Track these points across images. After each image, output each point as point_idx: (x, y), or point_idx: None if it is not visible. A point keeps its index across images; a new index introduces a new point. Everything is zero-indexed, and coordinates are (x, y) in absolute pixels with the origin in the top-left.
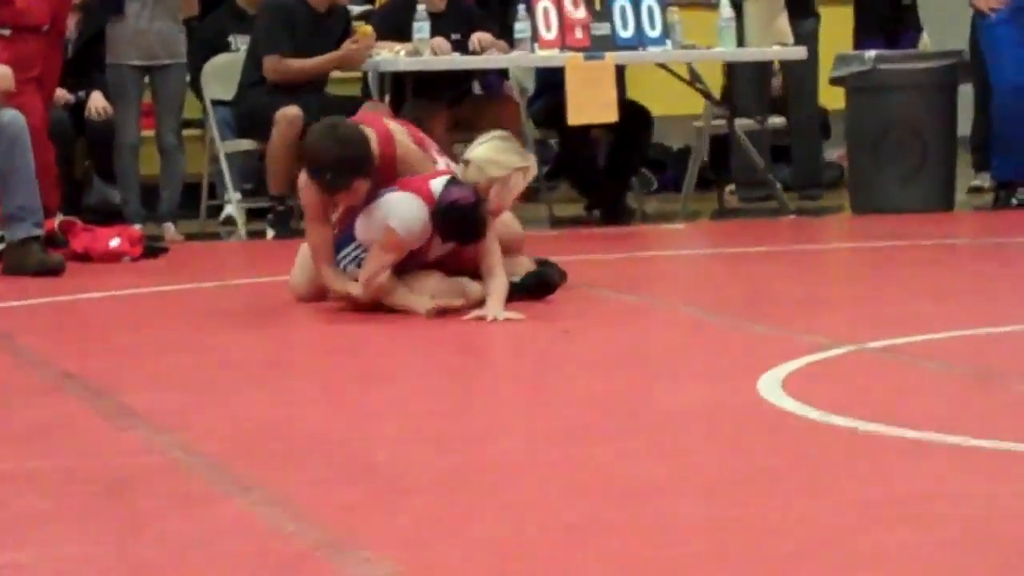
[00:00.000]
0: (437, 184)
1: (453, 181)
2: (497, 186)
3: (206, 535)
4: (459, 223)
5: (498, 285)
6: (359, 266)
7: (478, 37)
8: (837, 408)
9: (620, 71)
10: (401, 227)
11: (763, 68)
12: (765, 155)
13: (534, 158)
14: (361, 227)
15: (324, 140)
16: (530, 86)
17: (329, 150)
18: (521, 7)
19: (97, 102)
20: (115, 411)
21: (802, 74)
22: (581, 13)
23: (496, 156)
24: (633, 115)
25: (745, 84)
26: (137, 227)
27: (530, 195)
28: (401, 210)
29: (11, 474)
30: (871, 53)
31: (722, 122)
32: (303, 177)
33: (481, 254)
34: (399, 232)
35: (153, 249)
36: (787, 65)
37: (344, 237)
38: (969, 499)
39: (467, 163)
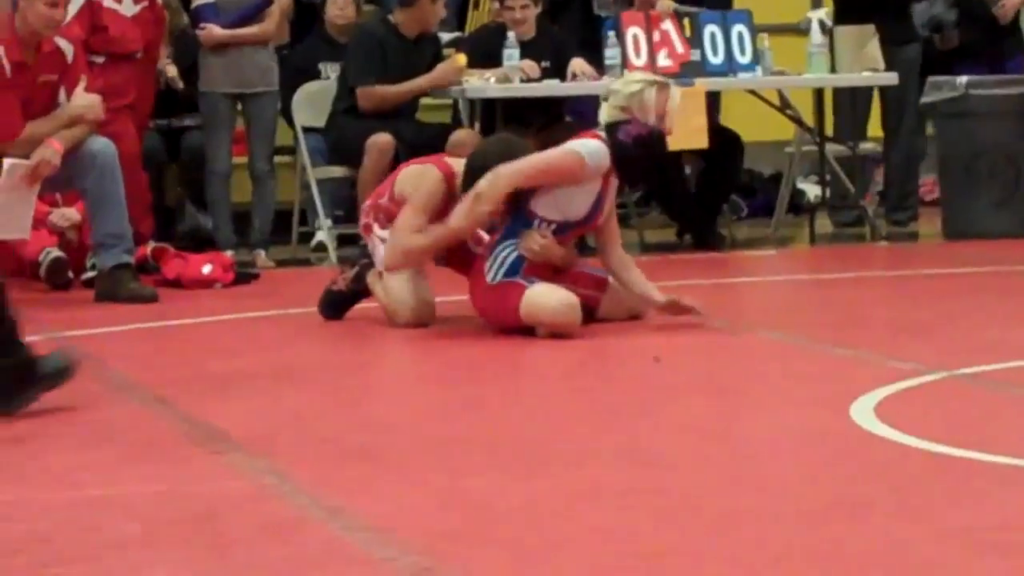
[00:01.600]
0: (603, 134)
1: (613, 127)
2: (637, 106)
3: (296, 560)
4: (648, 155)
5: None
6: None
7: (577, 65)
8: (930, 434)
9: (714, 97)
10: (587, 154)
11: (855, 94)
12: (857, 181)
13: (671, 82)
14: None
15: (496, 145)
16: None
17: (499, 153)
18: (611, 34)
19: (170, 70)
20: (207, 436)
21: (899, 101)
22: (677, 42)
23: (623, 81)
24: (724, 141)
25: (837, 110)
26: (229, 254)
27: (620, 220)
28: (589, 146)
29: (104, 499)
30: (963, 79)
31: (813, 148)
32: (431, 170)
33: (610, 230)
34: (585, 157)
35: (244, 275)
36: (883, 92)
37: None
38: None
39: (605, 99)
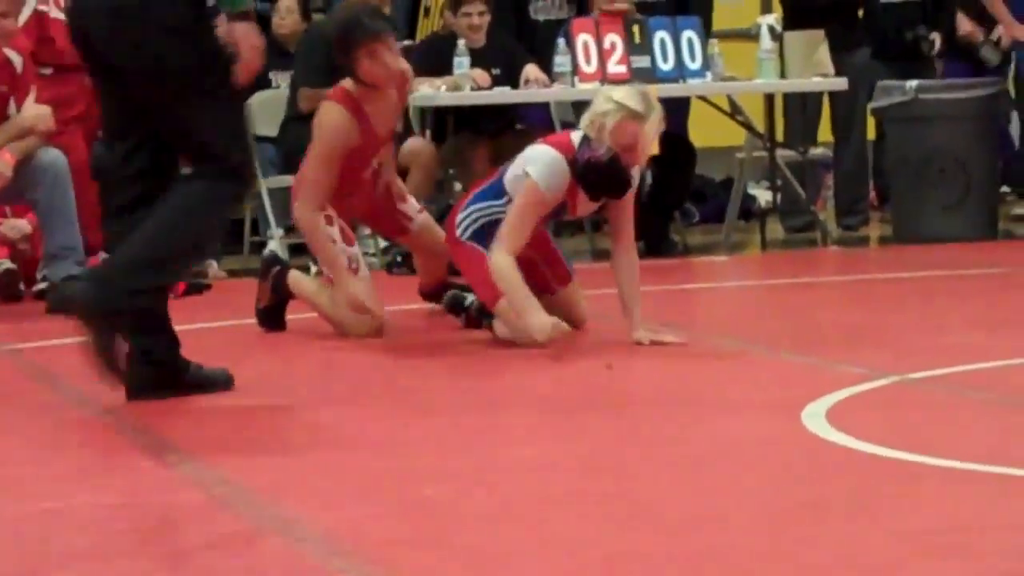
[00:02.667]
0: (576, 137)
1: (586, 139)
2: (614, 135)
3: (250, 572)
4: (599, 179)
5: (635, 298)
6: (482, 226)
7: (530, 71)
8: (882, 439)
9: (678, 104)
10: (540, 177)
11: (805, 99)
12: (808, 186)
13: (657, 108)
14: (509, 178)
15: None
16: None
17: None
18: (561, 41)
19: None
20: (159, 447)
21: (849, 106)
22: (620, 46)
23: (603, 96)
24: (677, 149)
25: (788, 116)
26: None
27: (573, 227)
28: (539, 160)
29: (55, 511)
30: (912, 83)
31: (764, 153)
32: (326, 105)
33: (620, 224)
34: (539, 184)
35: (196, 286)
36: (832, 97)
37: (477, 195)
38: (1016, 530)
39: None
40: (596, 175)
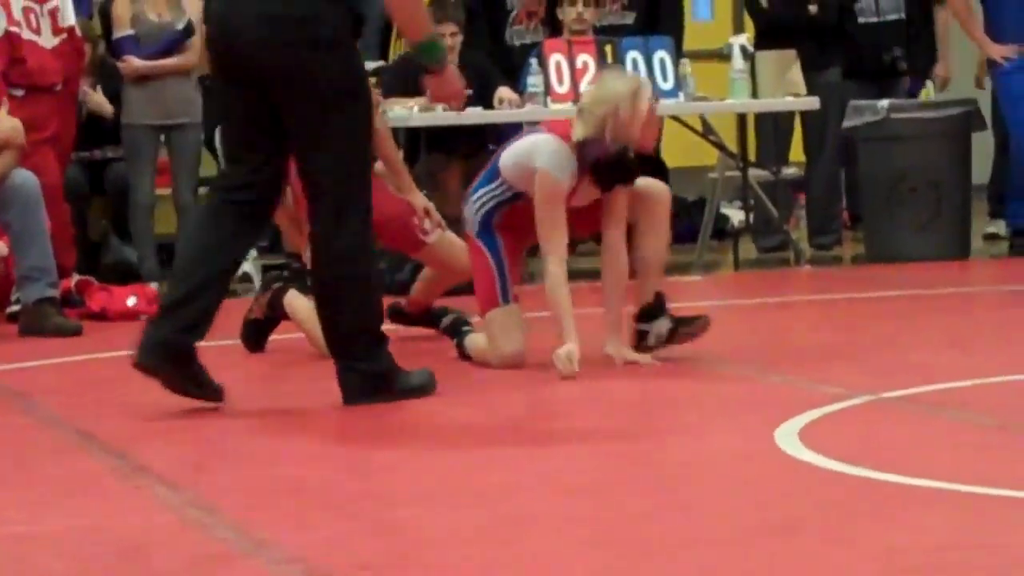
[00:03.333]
0: (576, 128)
1: (583, 144)
2: (613, 123)
3: None
4: (611, 173)
5: (619, 294)
6: (487, 213)
7: (503, 94)
8: (855, 458)
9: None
10: (552, 167)
11: (777, 119)
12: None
13: (644, 81)
14: (507, 163)
15: None
16: None
17: None
18: (533, 61)
19: (94, 97)
20: (131, 470)
21: (820, 125)
22: (592, 67)
23: (597, 94)
24: (650, 168)
25: (760, 135)
26: (154, 286)
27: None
28: (545, 150)
29: (26, 535)
30: (884, 103)
31: (737, 173)
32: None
33: (616, 209)
34: (551, 172)
35: None
36: (804, 116)
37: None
38: (989, 549)
39: (580, 112)
40: (608, 169)
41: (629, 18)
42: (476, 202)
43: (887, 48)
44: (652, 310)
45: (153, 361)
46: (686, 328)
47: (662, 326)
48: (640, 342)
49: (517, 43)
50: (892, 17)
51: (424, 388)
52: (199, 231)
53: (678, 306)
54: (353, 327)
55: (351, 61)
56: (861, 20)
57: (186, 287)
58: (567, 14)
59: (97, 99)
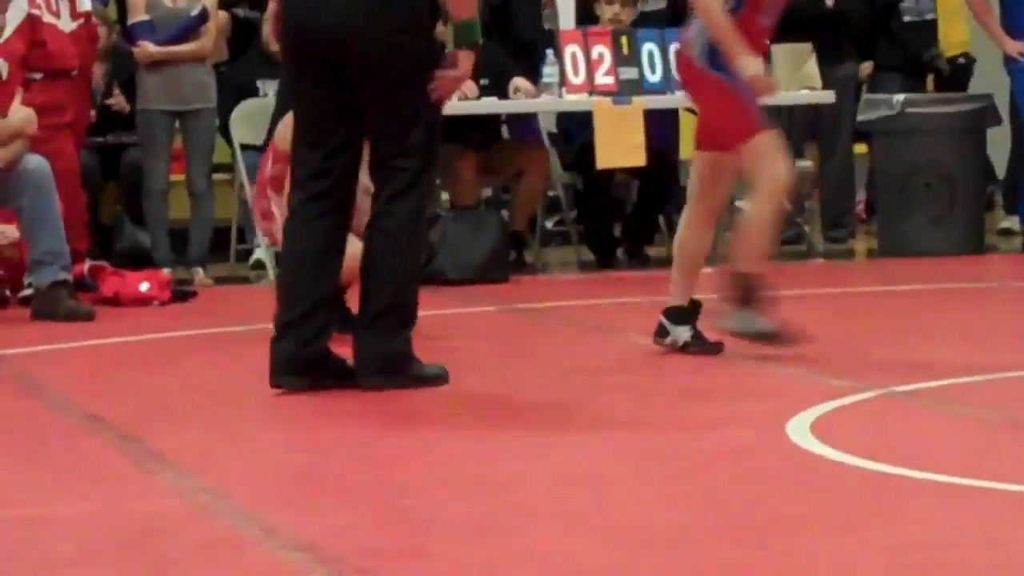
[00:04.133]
0: None
1: None
2: None
3: None
4: None
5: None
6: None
7: (518, 83)
8: (866, 452)
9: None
10: None
11: (792, 112)
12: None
13: None
14: None
15: None
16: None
17: None
18: (549, 52)
19: (118, 100)
20: (142, 455)
21: (835, 119)
22: (608, 58)
23: None
24: (656, 160)
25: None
26: (166, 271)
27: (560, 238)
28: None
29: (37, 518)
30: (899, 97)
31: None
32: None
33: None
34: None
35: (182, 293)
36: (819, 110)
37: None
38: (997, 545)
39: None
40: None
41: (661, 2)
42: (697, 35)
43: (927, 46)
44: (684, 313)
45: (288, 379)
46: (698, 347)
47: (681, 335)
48: (656, 334)
49: (548, 27)
50: (929, 17)
51: (438, 379)
52: (297, 244)
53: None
54: (389, 302)
55: (432, 45)
56: (906, 19)
57: (301, 307)
58: (604, 12)
59: (119, 103)
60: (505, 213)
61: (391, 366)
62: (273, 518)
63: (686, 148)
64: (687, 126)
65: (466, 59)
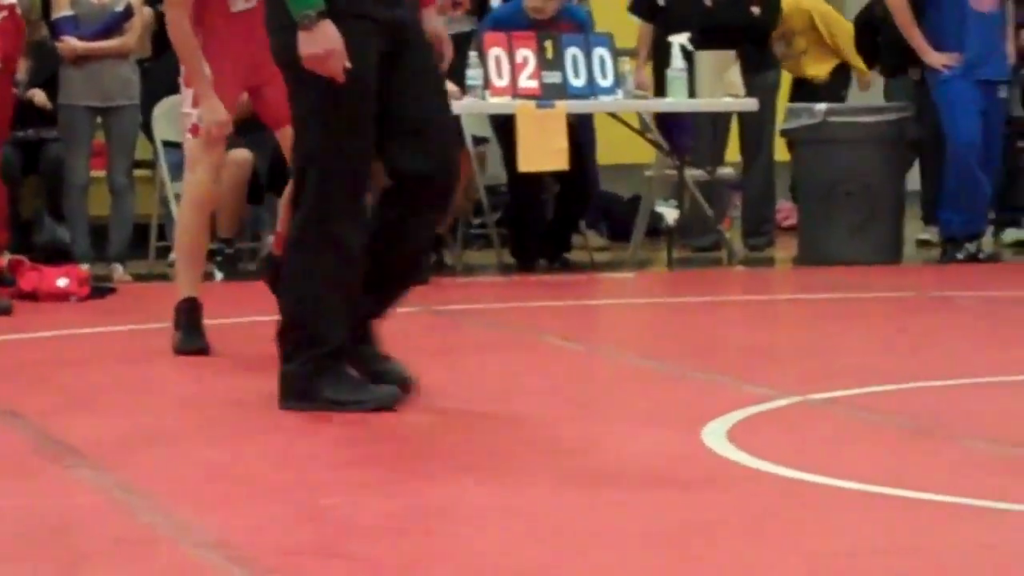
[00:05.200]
0: None
1: None
2: None
3: None
4: None
5: None
6: None
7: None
8: (781, 459)
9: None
10: None
11: (714, 119)
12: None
13: None
14: None
15: None
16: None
17: None
18: (473, 54)
19: (38, 95)
20: (58, 450)
21: (758, 127)
22: (532, 61)
23: None
24: (582, 166)
25: (697, 135)
26: (85, 267)
27: (482, 241)
28: None
29: None
30: (821, 106)
31: (673, 172)
32: None
33: None
34: None
35: (100, 289)
36: (742, 118)
37: None
38: (912, 552)
39: None
40: None
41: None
42: None
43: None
44: None
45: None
46: None
47: None
48: None
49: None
50: None
51: (359, 404)
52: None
53: (608, 303)
54: (285, 319)
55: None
56: None
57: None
58: (527, 1)
59: (40, 99)
60: None
61: (286, 390)
62: (189, 516)
63: (606, 154)
64: (608, 131)
65: (305, 38)
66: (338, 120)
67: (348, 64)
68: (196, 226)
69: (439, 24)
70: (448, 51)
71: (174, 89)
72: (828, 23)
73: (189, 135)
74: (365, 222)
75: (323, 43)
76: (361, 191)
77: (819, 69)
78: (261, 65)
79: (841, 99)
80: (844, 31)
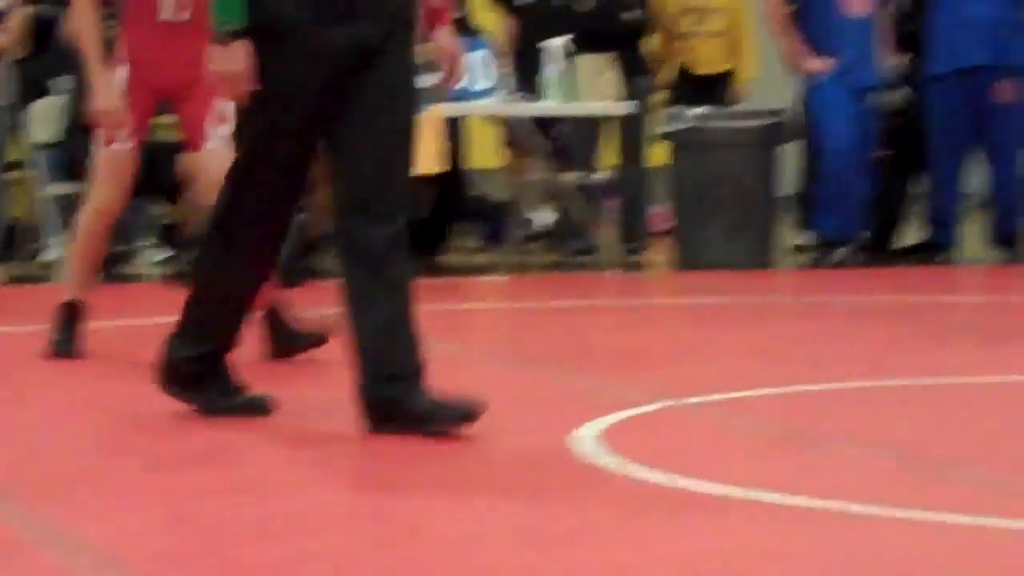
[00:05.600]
0: None
1: None
2: None
3: None
4: None
5: None
6: None
7: None
8: (651, 462)
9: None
10: None
11: (591, 123)
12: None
13: None
14: None
15: None
16: None
17: None
18: None
19: None
20: None
21: (634, 131)
22: None
23: None
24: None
25: (573, 138)
26: None
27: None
28: None
29: None
30: (697, 110)
31: (547, 175)
32: None
33: None
34: None
35: None
36: (617, 122)
37: None
38: (774, 556)
39: None
40: None
41: None
42: None
43: None
44: None
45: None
46: None
47: None
48: None
49: None
50: None
51: (227, 408)
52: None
53: (481, 307)
54: (184, 304)
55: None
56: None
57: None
58: None
59: None
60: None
61: (166, 375)
62: (61, 522)
63: (481, 157)
64: (483, 134)
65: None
66: (263, 128)
67: (255, 87)
68: (96, 233)
69: (451, 42)
70: (458, 70)
71: (48, 90)
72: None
73: (104, 145)
74: (278, 232)
75: (230, 63)
76: (278, 199)
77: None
78: (183, 81)
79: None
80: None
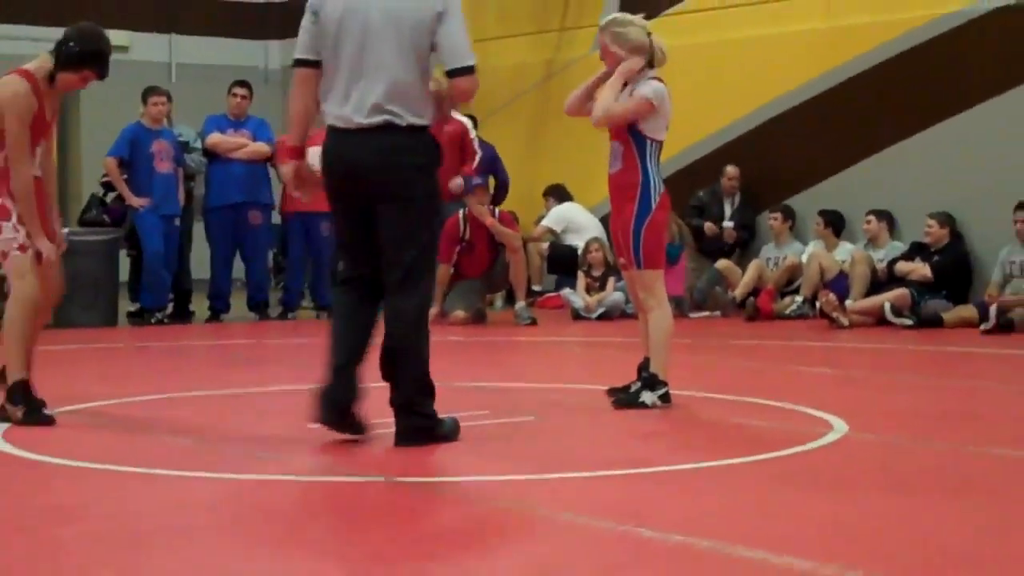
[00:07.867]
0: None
1: None
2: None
3: None
4: None
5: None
6: None
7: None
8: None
9: None
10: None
11: None
12: None
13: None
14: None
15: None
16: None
17: None
18: None
19: None
20: None
21: None
22: None
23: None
24: None
25: None
26: None
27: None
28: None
29: None
30: None
31: None
32: (11, 79)
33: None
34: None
35: None
36: None
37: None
38: (119, 518)
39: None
40: None
41: None
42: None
43: None
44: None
45: (336, 421)
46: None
47: None
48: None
49: None
50: None
51: (453, 433)
52: (340, 320)
53: None
54: (416, 378)
55: (435, 181)
56: None
57: (339, 361)
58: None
59: None
60: None
61: (427, 430)
62: None
63: None
64: None
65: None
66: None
67: (303, 197)
68: (26, 319)
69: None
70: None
71: None
72: None
73: (17, 252)
74: (346, 301)
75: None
76: (341, 275)
77: None
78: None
79: None
80: None
